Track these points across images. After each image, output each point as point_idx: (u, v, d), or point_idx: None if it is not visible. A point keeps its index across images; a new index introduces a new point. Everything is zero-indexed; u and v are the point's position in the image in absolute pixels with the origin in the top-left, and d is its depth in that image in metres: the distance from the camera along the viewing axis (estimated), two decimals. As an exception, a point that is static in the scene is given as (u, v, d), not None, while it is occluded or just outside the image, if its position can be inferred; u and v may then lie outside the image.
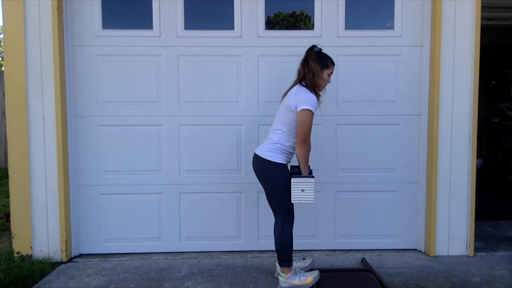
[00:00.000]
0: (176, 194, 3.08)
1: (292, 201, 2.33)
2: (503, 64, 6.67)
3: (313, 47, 2.39)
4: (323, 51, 2.40)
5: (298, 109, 2.26)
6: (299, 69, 2.42)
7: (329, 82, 2.43)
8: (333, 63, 2.40)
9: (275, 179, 2.35)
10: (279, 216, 2.43)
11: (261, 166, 2.39)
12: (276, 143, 2.36)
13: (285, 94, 2.45)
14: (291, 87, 2.43)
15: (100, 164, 3.03)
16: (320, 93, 2.41)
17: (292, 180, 2.31)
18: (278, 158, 2.34)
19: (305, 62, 2.38)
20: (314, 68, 2.32)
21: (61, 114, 2.86)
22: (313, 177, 2.33)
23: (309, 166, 2.36)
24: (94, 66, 2.99)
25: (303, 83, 2.38)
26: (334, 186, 3.10)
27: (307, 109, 2.24)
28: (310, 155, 2.36)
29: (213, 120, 3.05)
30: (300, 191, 2.30)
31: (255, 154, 2.45)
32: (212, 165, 3.07)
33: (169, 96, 3.03)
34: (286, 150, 2.37)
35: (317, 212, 3.10)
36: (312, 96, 2.29)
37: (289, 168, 2.47)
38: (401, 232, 3.14)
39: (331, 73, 2.40)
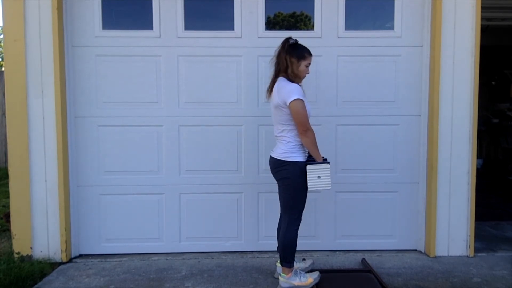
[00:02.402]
0: (176, 194, 3.08)
1: (309, 189, 2.30)
2: (503, 64, 6.68)
3: (288, 39, 2.37)
4: (298, 42, 2.38)
5: (288, 103, 2.24)
6: (274, 62, 2.39)
7: (307, 73, 2.40)
8: (310, 54, 2.37)
9: (294, 178, 2.32)
10: (286, 216, 2.42)
11: (281, 167, 2.35)
12: (289, 142, 2.34)
13: (269, 91, 2.42)
14: (272, 82, 2.40)
15: (100, 164, 3.03)
16: (300, 84, 2.36)
17: (308, 167, 2.29)
18: (298, 157, 2.32)
19: (279, 54, 2.36)
20: (289, 61, 2.31)
21: (61, 114, 2.86)
22: (328, 162, 2.32)
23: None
24: (94, 66, 2.99)
25: (281, 76, 2.35)
26: (334, 186, 3.05)
27: (296, 99, 2.22)
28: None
29: (213, 121, 3.05)
30: (317, 177, 2.28)
31: (272, 157, 2.43)
32: (212, 166, 3.07)
33: (169, 97, 3.03)
34: (301, 145, 2.35)
35: (317, 212, 3.10)
36: (294, 86, 2.28)
37: None
38: (401, 232, 3.14)
39: (309, 64, 2.37)
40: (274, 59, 2.40)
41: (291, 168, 2.31)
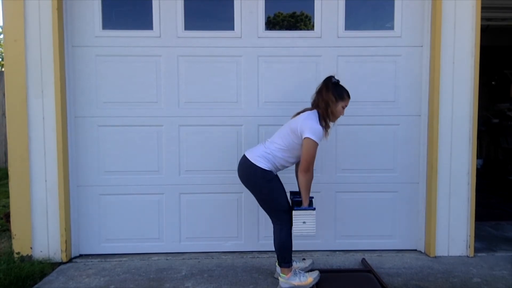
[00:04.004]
0: (176, 194, 3.08)
1: (294, 234, 2.36)
2: (503, 64, 6.67)
3: (331, 77, 2.39)
4: (340, 82, 2.40)
5: (303, 137, 2.26)
6: (314, 97, 2.41)
7: (342, 115, 2.42)
8: (349, 96, 2.38)
9: (263, 185, 2.36)
10: (276, 219, 2.43)
11: (248, 170, 2.38)
12: (269, 153, 2.36)
13: (297, 114, 2.43)
14: (304, 110, 2.42)
15: (100, 164, 3.03)
16: (330, 124, 2.38)
17: (294, 213, 2.33)
18: (266, 166, 2.34)
19: (321, 91, 2.37)
20: (329, 99, 2.31)
21: (61, 114, 2.86)
22: (314, 209, 2.35)
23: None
24: (94, 67, 2.99)
25: (316, 110, 2.37)
26: (334, 186, 3.10)
27: (312, 139, 2.24)
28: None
29: (213, 121, 3.05)
30: (302, 223, 2.32)
31: (244, 156, 2.44)
32: (212, 166, 3.07)
33: (169, 97, 3.03)
34: (275, 163, 2.37)
35: (317, 212, 3.06)
36: (319, 127, 2.28)
37: (288, 195, 2.49)
38: (401, 232, 3.14)
39: (346, 106, 2.39)
40: (314, 95, 2.41)
41: (257, 173, 2.33)
